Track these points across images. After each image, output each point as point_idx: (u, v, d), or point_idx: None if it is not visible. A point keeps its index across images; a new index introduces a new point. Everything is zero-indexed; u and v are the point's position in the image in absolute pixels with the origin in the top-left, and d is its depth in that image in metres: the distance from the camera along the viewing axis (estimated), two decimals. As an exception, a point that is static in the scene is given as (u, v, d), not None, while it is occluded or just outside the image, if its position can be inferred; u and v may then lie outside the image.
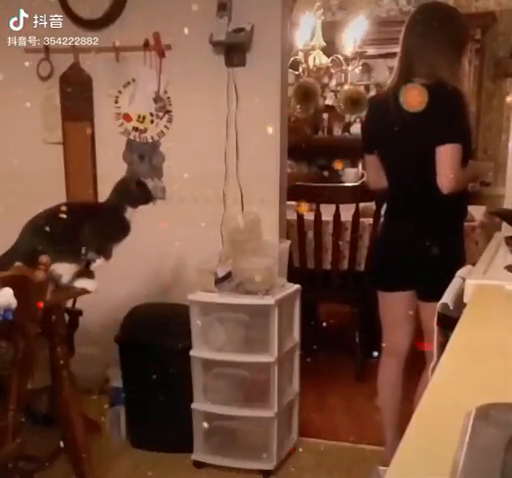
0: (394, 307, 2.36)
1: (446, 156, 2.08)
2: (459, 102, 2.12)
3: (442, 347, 1.20)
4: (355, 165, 5.18)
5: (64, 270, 2.07)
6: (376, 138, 2.32)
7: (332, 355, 3.62)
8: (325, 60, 4.16)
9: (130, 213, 2.19)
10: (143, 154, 2.92)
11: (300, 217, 3.37)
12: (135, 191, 2.22)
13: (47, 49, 2.88)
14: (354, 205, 3.28)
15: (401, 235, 2.29)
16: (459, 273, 1.60)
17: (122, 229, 2.18)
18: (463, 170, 2.13)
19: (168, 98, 2.83)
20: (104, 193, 2.92)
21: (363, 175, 4.57)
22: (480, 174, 2.42)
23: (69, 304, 2.41)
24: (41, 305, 1.82)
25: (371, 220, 3.31)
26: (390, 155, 2.28)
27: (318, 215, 3.32)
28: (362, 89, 4.57)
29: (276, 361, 2.44)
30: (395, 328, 2.39)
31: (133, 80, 2.87)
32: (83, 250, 2.10)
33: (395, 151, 2.25)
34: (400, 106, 2.14)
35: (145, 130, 2.90)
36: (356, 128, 5.37)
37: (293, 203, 3.29)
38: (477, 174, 2.37)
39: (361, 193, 3.30)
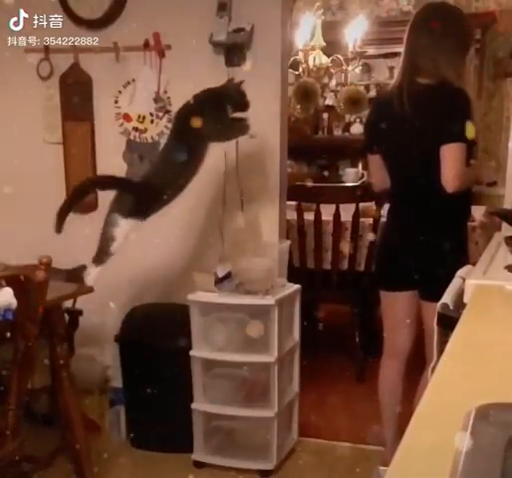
0: (397, 306, 2.36)
1: (451, 155, 2.08)
2: (464, 101, 2.12)
3: (442, 347, 1.20)
4: (355, 165, 5.18)
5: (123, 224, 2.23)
6: (379, 138, 2.31)
7: (332, 355, 3.61)
8: (325, 60, 4.16)
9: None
10: (143, 154, 2.92)
11: (300, 217, 3.37)
12: (234, 95, 2.30)
13: (47, 49, 2.88)
14: (354, 205, 3.28)
15: (404, 234, 2.29)
16: (459, 273, 1.60)
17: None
18: (467, 170, 2.13)
19: (168, 98, 2.83)
20: (103, 193, 2.94)
21: (363, 175, 4.57)
22: (484, 176, 2.42)
23: (69, 304, 2.41)
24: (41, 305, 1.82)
25: (371, 220, 3.31)
26: (394, 155, 2.28)
27: (318, 215, 3.32)
28: (362, 89, 4.57)
29: (276, 361, 2.44)
30: (397, 328, 2.39)
31: (133, 80, 2.87)
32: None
33: (399, 151, 2.24)
34: (404, 105, 2.14)
35: (145, 130, 2.90)
36: (356, 128, 5.37)
37: (293, 203, 3.30)
38: (480, 175, 2.37)
39: (361, 193, 3.30)
